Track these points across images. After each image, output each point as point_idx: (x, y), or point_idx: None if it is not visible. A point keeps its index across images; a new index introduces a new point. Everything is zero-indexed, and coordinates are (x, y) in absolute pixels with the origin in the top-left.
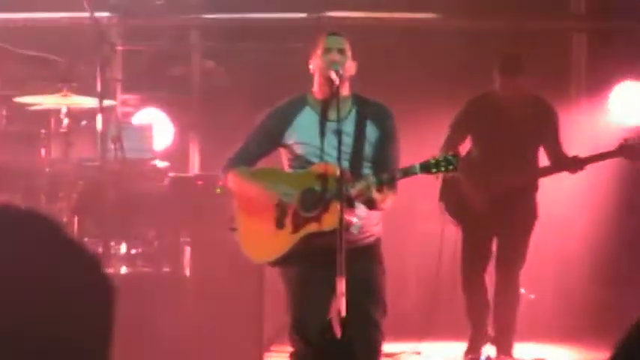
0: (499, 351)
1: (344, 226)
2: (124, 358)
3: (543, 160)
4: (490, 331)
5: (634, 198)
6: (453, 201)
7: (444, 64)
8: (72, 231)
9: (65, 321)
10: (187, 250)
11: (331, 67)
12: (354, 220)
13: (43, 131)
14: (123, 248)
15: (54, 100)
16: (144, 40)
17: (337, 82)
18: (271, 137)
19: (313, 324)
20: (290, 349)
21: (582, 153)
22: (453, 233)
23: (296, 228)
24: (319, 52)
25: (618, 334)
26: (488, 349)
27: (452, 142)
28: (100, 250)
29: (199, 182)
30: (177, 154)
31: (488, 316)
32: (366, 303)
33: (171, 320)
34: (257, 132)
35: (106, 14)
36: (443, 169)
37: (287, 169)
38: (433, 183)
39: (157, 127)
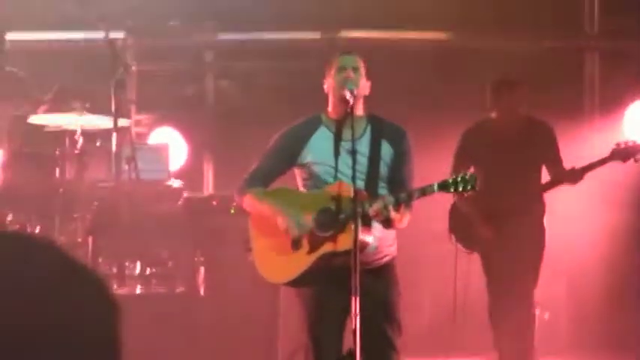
0: None
1: (360, 246)
2: None
3: (545, 178)
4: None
5: None
6: (462, 231)
7: (459, 83)
8: (85, 252)
9: (74, 341)
10: (202, 270)
11: (345, 86)
12: (370, 239)
13: (57, 152)
14: (137, 268)
15: (68, 121)
16: (158, 61)
17: (351, 101)
18: (286, 157)
19: (329, 344)
20: None
21: (596, 171)
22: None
23: (312, 248)
24: (333, 71)
25: (635, 348)
26: None
27: (458, 172)
28: (115, 270)
29: (214, 202)
30: (191, 174)
31: (517, 345)
32: (382, 323)
33: (186, 340)
34: (272, 152)
35: (120, 35)
36: (461, 188)
37: (301, 188)
38: (447, 203)
39: (172, 146)
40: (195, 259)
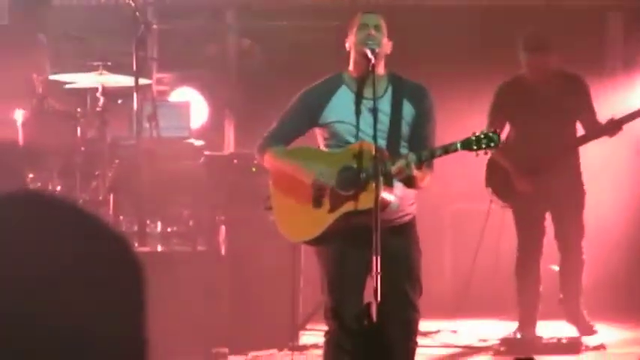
0: (567, 320)
1: (382, 205)
2: (158, 336)
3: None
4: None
5: None
6: (500, 185)
7: (481, 42)
8: (107, 210)
9: (97, 303)
10: (222, 228)
11: (367, 43)
12: (392, 198)
13: (79, 110)
14: (159, 227)
15: (90, 79)
16: (179, 19)
17: (373, 59)
18: (307, 116)
19: (349, 304)
20: (325, 327)
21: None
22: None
23: (333, 207)
24: (355, 28)
25: None
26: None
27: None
28: (136, 228)
29: (235, 161)
30: (212, 133)
31: (538, 303)
32: (403, 282)
33: (206, 298)
34: (293, 111)
35: None
36: (484, 145)
37: (322, 148)
38: (467, 162)
39: (193, 105)
40: (216, 217)
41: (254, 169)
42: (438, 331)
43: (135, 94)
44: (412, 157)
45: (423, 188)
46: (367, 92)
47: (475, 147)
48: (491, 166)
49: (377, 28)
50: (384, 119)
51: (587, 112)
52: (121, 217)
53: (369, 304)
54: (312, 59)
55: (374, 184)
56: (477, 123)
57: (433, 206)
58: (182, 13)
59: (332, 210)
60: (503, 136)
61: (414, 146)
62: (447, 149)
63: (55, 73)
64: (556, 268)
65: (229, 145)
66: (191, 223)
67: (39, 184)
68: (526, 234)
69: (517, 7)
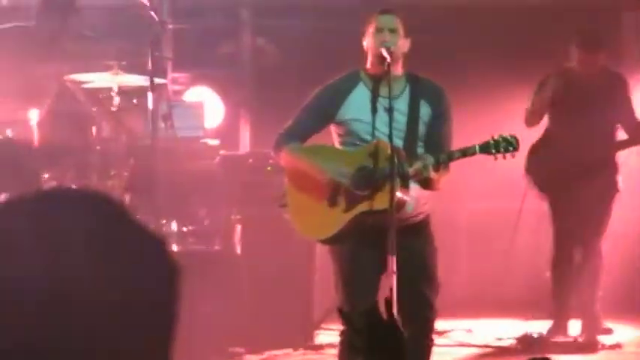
0: (584, 321)
1: (398, 206)
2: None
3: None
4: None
5: None
6: (541, 174)
7: (496, 43)
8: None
9: (130, 300)
10: (238, 228)
11: (383, 46)
12: (408, 198)
13: (94, 110)
14: (174, 226)
15: (105, 79)
16: (194, 19)
17: (389, 59)
18: (323, 113)
19: (362, 303)
20: (341, 327)
21: None
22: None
23: (349, 206)
24: (371, 30)
25: None
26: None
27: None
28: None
29: (250, 160)
30: (227, 132)
31: (572, 299)
32: (419, 281)
33: (222, 298)
34: (309, 108)
35: None
36: (502, 149)
37: (338, 146)
38: (483, 161)
39: (208, 105)
40: (232, 217)
41: (269, 169)
42: (452, 330)
43: (150, 94)
44: (430, 159)
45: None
46: (384, 91)
47: (494, 151)
48: (533, 153)
49: (392, 30)
50: (401, 119)
51: (626, 110)
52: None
53: (376, 302)
54: (327, 58)
55: (389, 185)
56: (493, 124)
57: (449, 205)
58: (197, 12)
59: (347, 209)
60: (542, 127)
61: (431, 147)
62: (465, 152)
63: (71, 73)
64: None
65: (245, 145)
66: (207, 222)
67: (54, 184)
68: (562, 227)
69: (529, 6)
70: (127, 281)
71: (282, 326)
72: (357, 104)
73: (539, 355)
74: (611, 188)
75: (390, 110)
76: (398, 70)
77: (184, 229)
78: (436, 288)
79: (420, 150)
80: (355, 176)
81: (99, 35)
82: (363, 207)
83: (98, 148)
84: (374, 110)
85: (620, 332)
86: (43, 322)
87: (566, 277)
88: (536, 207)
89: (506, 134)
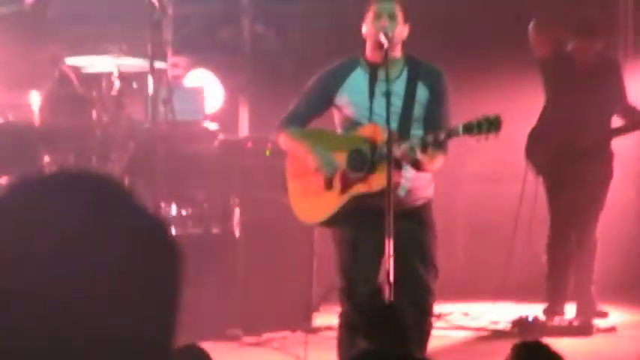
0: (579, 303)
1: (394, 185)
2: None
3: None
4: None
5: None
6: (539, 158)
7: (492, 28)
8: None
9: (130, 283)
10: (237, 211)
11: (381, 31)
12: (401, 180)
13: (94, 94)
14: (173, 210)
15: (105, 63)
16: (194, 3)
17: (386, 45)
18: (323, 98)
19: (362, 285)
20: (339, 309)
21: None
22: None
23: (344, 189)
24: (370, 16)
25: None
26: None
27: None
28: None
29: (249, 144)
30: (226, 117)
31: (569, 281)
32: (416, 265)
33: (221, 281)
34: (309, 92)
35: None
36: (485, 130)
37: (338, 129)
38: (480, 145)
39: (207, 89)
40: (230, 200)
41: (268, 153)
42: (450, 314)
43: (150, 78)
44: (416, 141)
45: (435, 171)
46: (382, 75)
47: (476, 130)
48: (532, 136)
49: (391, 16)
50: (397, 102)
51: (620, 95)
52: None
53: (379, 285)
54: (326, 44)
55: (384, 167)
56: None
57: (446, 188)
58: None
59: (343, 192)
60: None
61: (429, 128)
62: (450, 133)
63: (71, 56)
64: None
65: (244, 129)
66: (205, 206)
67: (54, 167)
68: (559, 210)
69: None
70: (127, 264)
71: (280, 309)
72: (355, 88)
73: (530, 339)
74: (607, 174)
75: (387, 94)
76: (397, 53)
77: (183, 212)
78: (435, 273)
79: (417, 131)
80: (349, 158)
81: (99, 19)
82: (358, 189)
83: (98, 132)
84: (371, 94)
85: (615, 315)
86: (46, 301)
87: (562, 261)
88: (534, 191)
89: (490, 115)
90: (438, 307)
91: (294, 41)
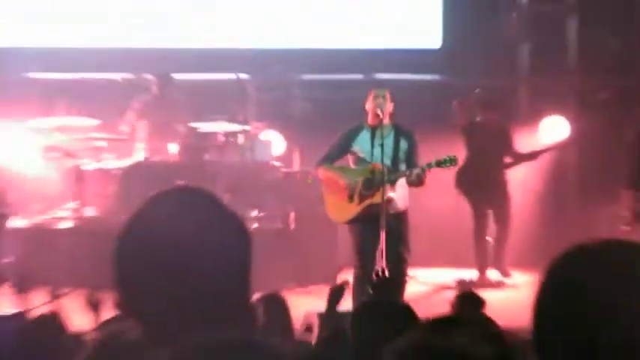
0: (496, 267)
1: (388, 200)
2: None
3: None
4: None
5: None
6: (464, 185)
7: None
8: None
9: (223, 258)
10: (292, 214)
11: (377, 108)
12: (394, 195)
13: (207, 145)
14: (254, 213)
15: (214, 127)
16: (266, 91)
17: (381, 115)
18: (343, 146)
19: (367, 259)
20: (353, 270)
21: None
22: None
23: (360, 201)
24: (370, 97)
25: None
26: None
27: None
28: (242, 215)
29: (298, 175)
30: (286, 158)
31: (486, 256)
32: (399, 245)
33: (282, 255)
34: (335, 143)
35: (246, 77)
36: (448, 164)
37: (352, 166)
38: (436, 177)
39: (274, 142)
40: (288, 208)
41: (309, 181)
42: (415, 276)
43: (240, 136)
44: (401, 172)
45: (413, 190)
46: (378, 134)
47: (444, 164)
48: (460, 173)
49: (384, 97)
50: (388, 150)
51: (510, 147)
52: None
53: (383, 269)
54: (344, 116)
55: (382, 188)
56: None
57: (416, 202)
58: (269, 88)
59: (359, 203)
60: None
61: (409, 164)
62: (429, 165)
63: (193, 122)
64: (490, 239)
65: (296, 165)
66: (274, 211)
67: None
68: (478, 216)
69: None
70: (226, 242)
71: (318, 270)
72: (363, 142)
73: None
74: (505, 192)
75: (381, 146)
76: (387, 121)
77: (261, 214)
78: (409, 250)
79: (402, 166)
80: (363, 183)
81: (208, 97)
82: (368, 201)
83: (207, 167)
84: (372, 145)
85: (517, 276)
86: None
87: (482, 243)
88: (463, 204)
89: (451, 154)
90: (410, 271)
91: (326, 113)
